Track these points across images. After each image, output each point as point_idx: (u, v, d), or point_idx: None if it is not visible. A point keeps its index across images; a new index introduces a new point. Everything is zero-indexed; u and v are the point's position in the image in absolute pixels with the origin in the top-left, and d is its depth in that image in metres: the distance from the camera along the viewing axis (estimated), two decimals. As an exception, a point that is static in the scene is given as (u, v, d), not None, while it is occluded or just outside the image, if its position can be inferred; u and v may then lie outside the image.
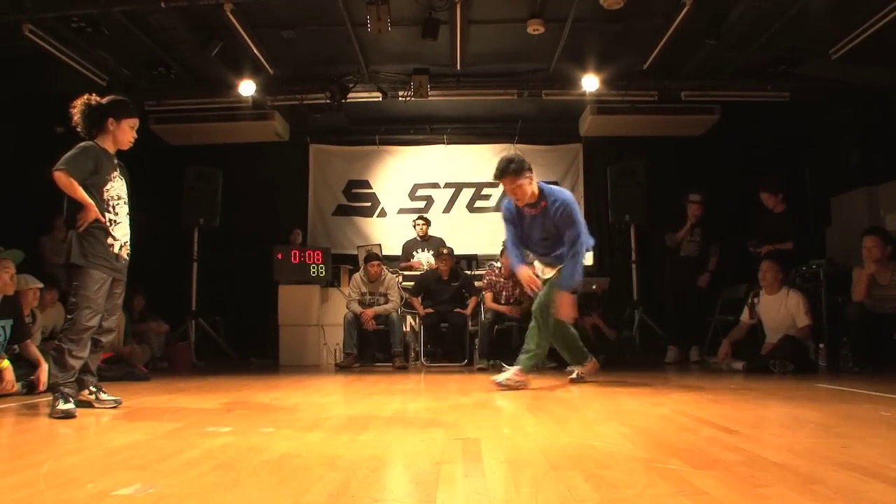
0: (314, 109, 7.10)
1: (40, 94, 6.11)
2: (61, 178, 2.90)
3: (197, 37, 5.64)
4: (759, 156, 7.67)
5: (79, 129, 3.11)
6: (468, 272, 6.92)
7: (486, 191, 8.21)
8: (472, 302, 6.39)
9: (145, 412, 3.02)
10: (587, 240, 3.90)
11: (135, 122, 3.21)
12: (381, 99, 6.99)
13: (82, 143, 3.06)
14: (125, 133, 3.16)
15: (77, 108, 3.10)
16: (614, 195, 7.26)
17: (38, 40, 5.22)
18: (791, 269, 5.51)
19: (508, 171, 3.82)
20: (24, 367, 3.88)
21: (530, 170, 3.88)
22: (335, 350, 6.59)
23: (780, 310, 5.07)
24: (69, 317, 2.97)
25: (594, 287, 6.57)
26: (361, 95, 6.96)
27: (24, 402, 3.45)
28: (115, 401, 3.15)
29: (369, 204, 8.30)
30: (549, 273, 4.08)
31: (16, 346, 3.92)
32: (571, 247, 3.83)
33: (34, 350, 3.99)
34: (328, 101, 6.73)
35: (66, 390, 2.87)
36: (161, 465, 1.75)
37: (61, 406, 2.78)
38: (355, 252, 7.73)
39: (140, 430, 2.44)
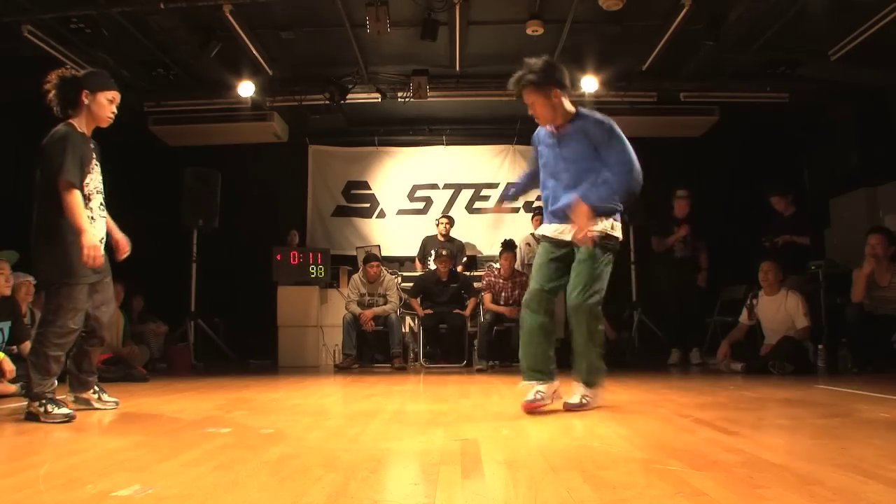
0: (313, 110, 7.11)
1: (39, 94, 6.10)
2: (74, 196, 2.64)
3: (196, 38, 5.63)
4: (759, 157, 7.67)
5: (54, 108, 2.84)
6: (467, 273, 6.92)
7: (485, 192, 8.21)
8: (471, 303, 6.40)
9: (144, 413, 3.02)
10: (633, 173, 2.94)
11: (113, 94, 2.90)
12: (380, 100, 6.98)
13: (62, 134, 2.76)
14: (102, 107, 2.86)
15: (51, 83, 2.83)
16: (613, 196, 7.23)
17: (37, 41, 5.22)
18: (806, 267, 5.52)
19: (523, 81, 2.86)
20: (24, 367, 3.86)
21: (561, 85, 2.83)
22: (334, 351, 6.58)
23: (779, 311, 5.08)
24: (50, 317, 2.73)
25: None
26: (360, 96, 6.96)
27: (22, 403, 3.44)
28: (113, 402, 3.13)
29: (368, 205, 8.30)
30: (563, 233, 2.94)
31: (14, 347, 3.92)
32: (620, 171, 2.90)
33: (33, 351, 3.98)
34: (327, 102, 6.73)
35: (56, 396, 2.74)
36: (160, 466, 1.75)
37: (58, 411, 2.67)
38: (354, 253, 7.73)
39: (139, 432, 2.43)
